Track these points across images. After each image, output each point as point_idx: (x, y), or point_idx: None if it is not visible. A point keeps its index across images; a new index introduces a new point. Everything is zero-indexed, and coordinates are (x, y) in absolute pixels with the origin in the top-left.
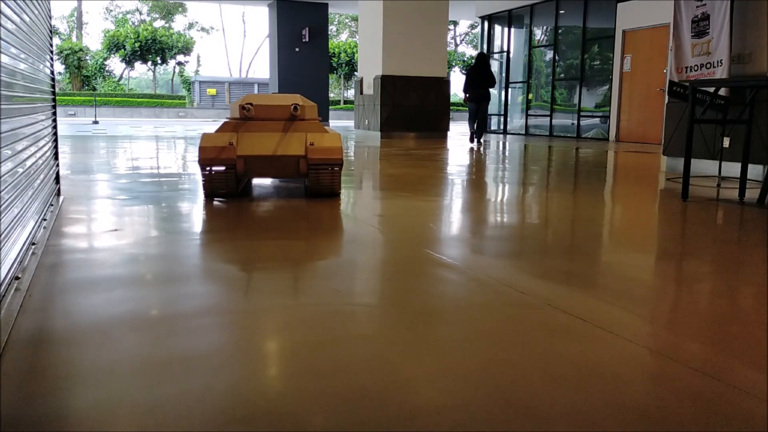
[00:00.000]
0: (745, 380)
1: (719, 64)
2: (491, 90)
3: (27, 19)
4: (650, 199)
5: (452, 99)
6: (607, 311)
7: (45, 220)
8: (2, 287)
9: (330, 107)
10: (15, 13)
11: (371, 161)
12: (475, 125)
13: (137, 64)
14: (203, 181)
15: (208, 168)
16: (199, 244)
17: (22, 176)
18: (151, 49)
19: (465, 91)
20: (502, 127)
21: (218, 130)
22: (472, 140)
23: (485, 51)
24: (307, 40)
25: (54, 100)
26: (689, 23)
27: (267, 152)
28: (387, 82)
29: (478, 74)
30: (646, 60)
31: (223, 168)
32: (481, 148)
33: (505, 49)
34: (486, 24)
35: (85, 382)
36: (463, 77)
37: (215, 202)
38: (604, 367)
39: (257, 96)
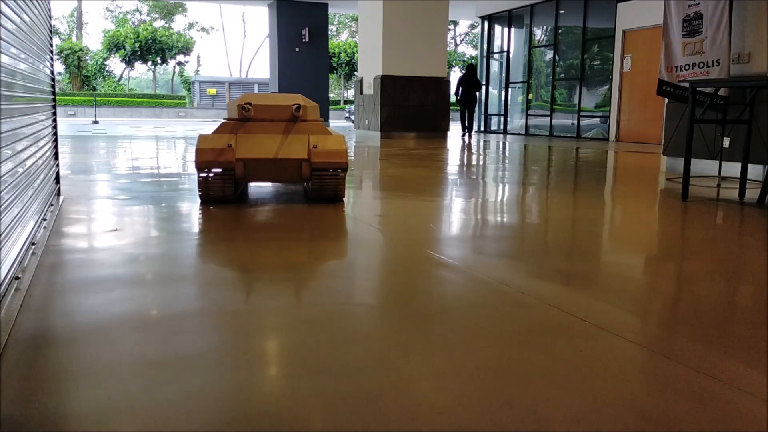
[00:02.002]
0: (745, 380)
1: (715, 63)
2: (478, 94)
3: (27, 19)
4: (650, 199)
5: (452, 99)
6: (607, 311)
7: (45, 220)
8: (2, 287)
9: (330, 107)
10: (15, 13)
11: (371, 161)
12: (466, 122)
13: (137, 64)
14: (199, 185)
15: (205, 171)
16: (200, 244)
17: (22, 176)
18: (151, 49)
19: (456, 93)
20: (502, 127)
21: (216, 131)
22: (464, 133)
23: (485, 51)
24: (307, 40)
25: (54, 100)
26: (680, 22)
27: (268, 155)
28: (387, 82)
29: (468, 81)
30: (646, 60)
31: (220, 171)
32: (471, 141)
33: (505, 49)
34: (486, 24)
35: (85, 382)
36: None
37: (214, 203)
38: (604, 367)
39: (256, 95)
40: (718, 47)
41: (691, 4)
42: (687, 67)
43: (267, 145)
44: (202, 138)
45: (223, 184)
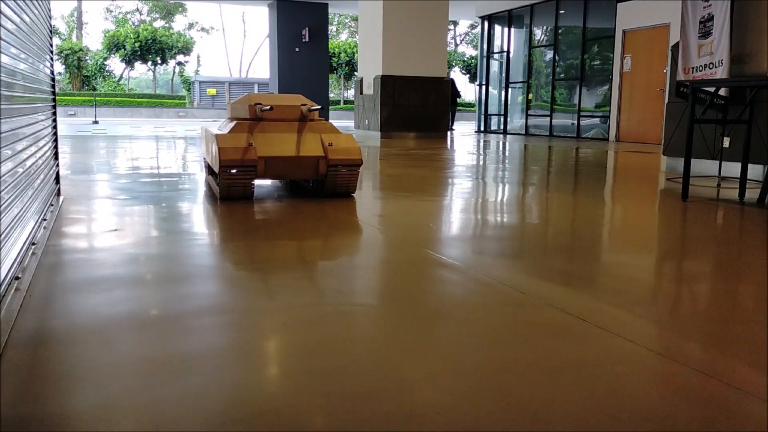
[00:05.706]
0: (745, 380)
1: (720, 64)
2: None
3: (27, 19)
4: (650, 199)
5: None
6: (606, 311)
7: (45, 220)
8: (2, 287)
9: (330, 107)
10: (15, 13)
11: (371, 161)
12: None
13: (137, 64)
14: (221, 184)
15: (229, 170)
16: (199, 244)
17: (22, 176)
18: (151, 49)
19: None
20: (502, 127)
21: (232, 131)
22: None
23: (485, 51)
24: (307, 40)
25: (54, 100)
26: (696, 24)
27: (288, 153)
28: (387, 82)
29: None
30: (646, 60)
31: (239, 170)
32: (454, 134)
33: (505, 49)
34: (486, 24)
35: (85, 382)
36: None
37: (213, 202)
38: (604, 367)
39: (261, 96)
40: (722, 47)
41: (705, 5)
42: (701, 68)
43: (285, 143)
44: (221, 137)
45: (244, 182)
